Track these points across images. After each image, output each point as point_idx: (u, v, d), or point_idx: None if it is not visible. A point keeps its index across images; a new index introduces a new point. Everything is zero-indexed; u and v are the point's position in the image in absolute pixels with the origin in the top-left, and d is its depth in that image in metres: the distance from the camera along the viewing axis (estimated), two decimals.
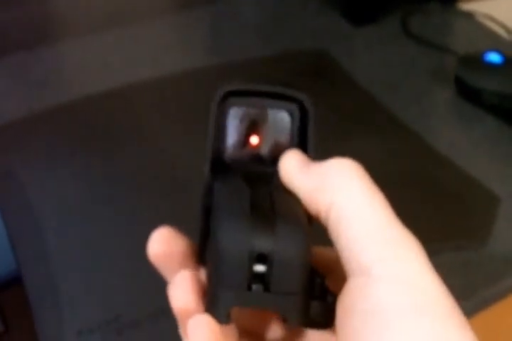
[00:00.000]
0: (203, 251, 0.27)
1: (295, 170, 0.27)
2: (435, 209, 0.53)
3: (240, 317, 0.28)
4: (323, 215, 0.26)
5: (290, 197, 0.27)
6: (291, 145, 0.29)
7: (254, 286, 0.25)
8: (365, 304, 0.23)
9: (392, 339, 0.22)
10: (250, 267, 0.24)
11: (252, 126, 0.29)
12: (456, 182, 0.56)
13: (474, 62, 0.64)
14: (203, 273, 0.27)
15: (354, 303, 0.24)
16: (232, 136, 0.29)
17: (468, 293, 0.47)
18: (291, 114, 0.29)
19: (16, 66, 0.66)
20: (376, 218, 0.25)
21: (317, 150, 0.28)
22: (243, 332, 0.28)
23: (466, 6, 0.76)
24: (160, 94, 0.64)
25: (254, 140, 0.29)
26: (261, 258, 0.24)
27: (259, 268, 0.24)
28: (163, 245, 0.27)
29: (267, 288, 0.25)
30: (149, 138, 0.58)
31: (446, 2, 0.76)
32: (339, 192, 0.25)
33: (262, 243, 0.24)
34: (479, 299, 0.48)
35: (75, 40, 0.70)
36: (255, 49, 0.69)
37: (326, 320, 0.26)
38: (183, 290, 0.25)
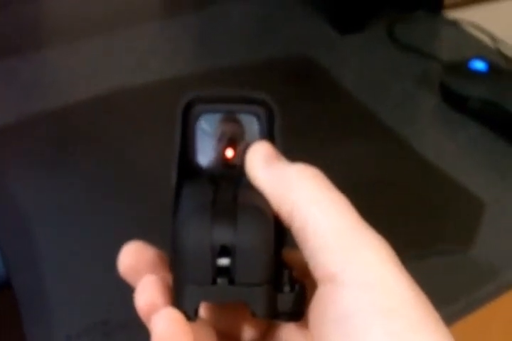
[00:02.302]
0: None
1: (259, 164, 0.27)
2: (420, 214, 0.54)
3: (215, 319, 0.28)
4: (285, 216, 0.26)
5: (256, 193, 0.27)
6: None
7: (219, 280, 0.24)
8: (334, 311, 0.23)
9: None
10: (214, 261, 0.24)
11: (228, 142, 0.29)
12: (441, 188, 0.56)
13: (459, 69, 0.65)
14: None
15: (324, 311, 0.24)
16: (204, 146, 0.29)
17: (453, 297, 0.47)
18: (258, 117, 0.29)
19: (5, 71, 0.66)
20: (340, 222, 0.24)
21: (284, 150, 0.28)
22: (220, 334, 0.28)
23: (451, 14, 0.77)
24: (148, 100, 0.64)
25: (229, 153, 0.29)
26: (224, 252, 0.24)
27: (223, 261, 0.24)
28: (131, 259, 0.27)
29: (231, 281, 0.24)
30: (138, 144, 0.59)
31: (432, 10, 0.77)
32: (301, 197, 0.25)
33: (223, 235, 0.24)
34: (464, 304, 0.48)
35: (65, 46, 0.70)
36: (243, 56, 0.70)
37: (296, 311, 0.26)
38: (148, 291, 0.25)
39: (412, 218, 0.53)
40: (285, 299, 0.26)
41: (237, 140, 0.29)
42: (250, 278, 0.25)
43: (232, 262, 0.24)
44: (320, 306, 0.24)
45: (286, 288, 0.26)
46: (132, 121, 0.61)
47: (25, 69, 0.66)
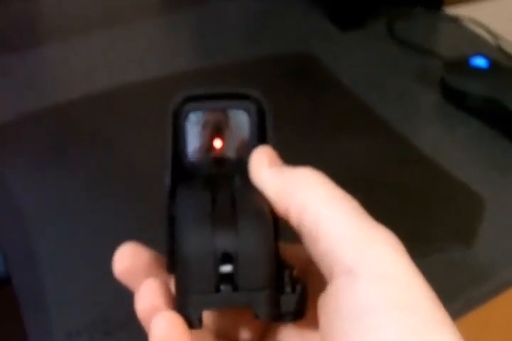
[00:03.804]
0: (172, 261, 0.26)
1: (265, 167, 0.27)
2: (420, 211, 0.53)
3: (215, 321, 0.28)
4: (294, 219, 0.26)
5: (254, 194, 0.27)
6: (251, 143, 0.29)
7: (222, 287, 0.24)
8: (350, 306, 0.23)
9: (379, 339, 0.22)
10: (216, 268, 0.24)
11: (214, 130, 0.29)
12: (440, 184, 0.56)
13: (460, 66, 0.65)
14: (172, 283, 0.26)
15: (339, 305, 0.24)
16: (194, 142, 0.29)
17: (454, 294, 0.47)
18: (248, 113, 0.29)
19: (1, 68, 0.66)
20: (352, 220, 0.25)
21: (276, 146, 0.28)
22: (218, 337, 0.28)
23: (451, 11, 0.77)
24: (148, 97, 0.64)
25: (217, 143, 0.29)
26: (226, 258, 0.24)
27: (226, 268, 0.24)
28: (127, 261, 0.27)
29: (235, 287, 0.24)
30: (138, 142, 0.58)
31: (432, 7, 0.77)
32: (310, 197, 0.26)
33: (224, 242, 0.24)
34: (465, 301, 0.48)
35: (61, 43, 0.70)
36: (242, 51, 0.69)
37: (297, 312, 0.26)
38: (149, 295, 0.25)
39: (411, 215, 0.53)
40: (287, 300, 0.26)
41: (222, 128, 0.29)
42: (254, 284, 0.25)
43: (235, 268, 0.24)
44: (333, 302, 0.24)
45: (288, 289, 0.26)
46: (132, 120, 0.61)
47: (22, 66, 0.66)
